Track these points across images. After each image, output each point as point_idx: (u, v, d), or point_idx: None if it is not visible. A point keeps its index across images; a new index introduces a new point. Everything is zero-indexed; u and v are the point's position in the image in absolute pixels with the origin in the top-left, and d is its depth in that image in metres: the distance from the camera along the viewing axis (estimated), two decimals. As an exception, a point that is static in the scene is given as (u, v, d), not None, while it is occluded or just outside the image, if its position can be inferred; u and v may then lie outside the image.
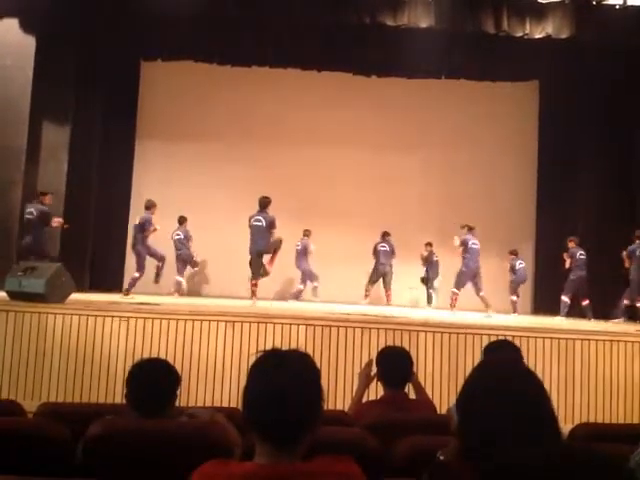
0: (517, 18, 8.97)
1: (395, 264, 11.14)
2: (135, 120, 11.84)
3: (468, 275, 9.56)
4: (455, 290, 9.67)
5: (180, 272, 10.34)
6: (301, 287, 11.00)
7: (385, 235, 11.00)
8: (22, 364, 5.74)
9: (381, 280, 11.03)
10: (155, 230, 9.01)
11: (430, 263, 11.31)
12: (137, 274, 8.92)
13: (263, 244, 8.33)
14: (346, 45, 9.97)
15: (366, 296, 10.75)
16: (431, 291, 11.39)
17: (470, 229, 9.71)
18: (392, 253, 10.95)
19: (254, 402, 1.44)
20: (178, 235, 10.42)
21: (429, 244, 11.32)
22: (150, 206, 9.05)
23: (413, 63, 10.16)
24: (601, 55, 9.61)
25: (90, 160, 10.44)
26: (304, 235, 11.04)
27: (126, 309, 6.23)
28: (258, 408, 1.42)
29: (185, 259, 10.41)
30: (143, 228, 8.89)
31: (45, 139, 9.40)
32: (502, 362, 1.66)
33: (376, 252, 10.94)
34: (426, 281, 11.40)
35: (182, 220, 10.51)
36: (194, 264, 10.63)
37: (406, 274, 11.53)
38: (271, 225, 8.33)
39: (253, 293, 8.49)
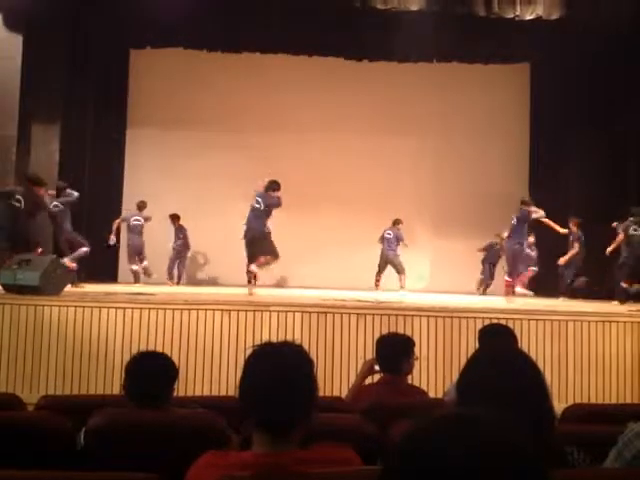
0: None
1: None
2: (126, 108, 11.77)
3: (629, 267, 8.32)
4: (623, 285, 8.39)
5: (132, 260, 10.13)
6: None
7: (394, 223, 10.84)
8: (19, 356, 5.75)
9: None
10: None
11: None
12: None
13: (255, 226, 8.09)
14: (337, 29, 9.91)
15: (377, 285, 10.68)
16: None
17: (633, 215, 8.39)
18: (396, 241, 10.79)
19: (250, 394, 1.48)
20: (138, 221, 10.17)
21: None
22: None
23: (404, 47, 10.12)
24: (593, 36, 9.57)
25: (81, 149, 10.37)
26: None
27: (122, 300, 6.24)
28: (254, 399, 1.47)
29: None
30: None
31: (35, 129, 9.32)
32: (500, 350, 1.67)
33: (382, 238, 10.89)
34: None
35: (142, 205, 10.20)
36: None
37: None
38: (268, 207, 8.01)
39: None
